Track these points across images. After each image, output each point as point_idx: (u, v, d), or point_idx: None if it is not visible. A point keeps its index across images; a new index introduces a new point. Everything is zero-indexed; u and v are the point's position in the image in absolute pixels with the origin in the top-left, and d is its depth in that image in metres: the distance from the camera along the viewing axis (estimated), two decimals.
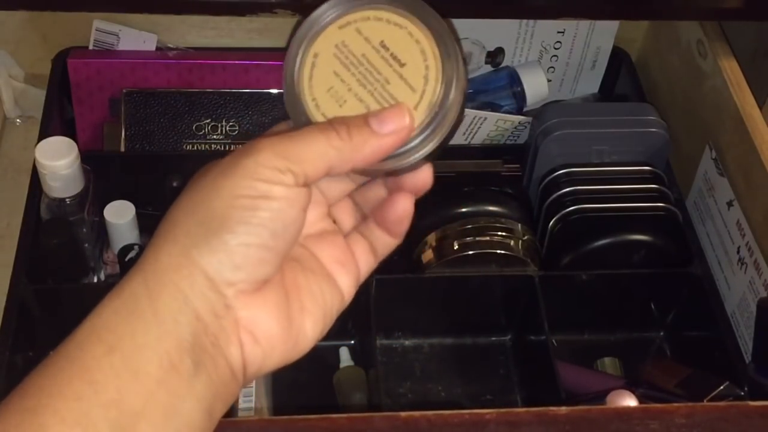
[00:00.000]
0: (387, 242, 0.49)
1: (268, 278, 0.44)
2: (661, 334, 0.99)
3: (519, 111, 1.05)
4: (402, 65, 0.45)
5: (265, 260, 0.43)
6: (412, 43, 0.45)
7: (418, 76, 0.45)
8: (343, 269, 0.48)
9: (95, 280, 0.92)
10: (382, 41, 0.45)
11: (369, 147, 0.45)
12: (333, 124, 0.45)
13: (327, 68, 0.46)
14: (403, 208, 0.48)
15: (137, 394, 0.40)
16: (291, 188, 0.43)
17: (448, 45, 0.45)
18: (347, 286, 0.48)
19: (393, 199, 0.48)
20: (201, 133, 1.00)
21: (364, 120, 0.45)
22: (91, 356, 0.41)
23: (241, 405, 0.86)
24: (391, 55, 0.45)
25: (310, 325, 0.46)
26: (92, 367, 0.41)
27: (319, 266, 0.48)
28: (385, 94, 0.46)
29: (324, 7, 0.46)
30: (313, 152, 0.44)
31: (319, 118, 0.46)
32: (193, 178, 0.46)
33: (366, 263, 0.49)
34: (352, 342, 0.95)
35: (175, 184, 0.89)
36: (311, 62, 0.46)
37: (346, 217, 0.50)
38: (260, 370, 0.45)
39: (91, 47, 1.02)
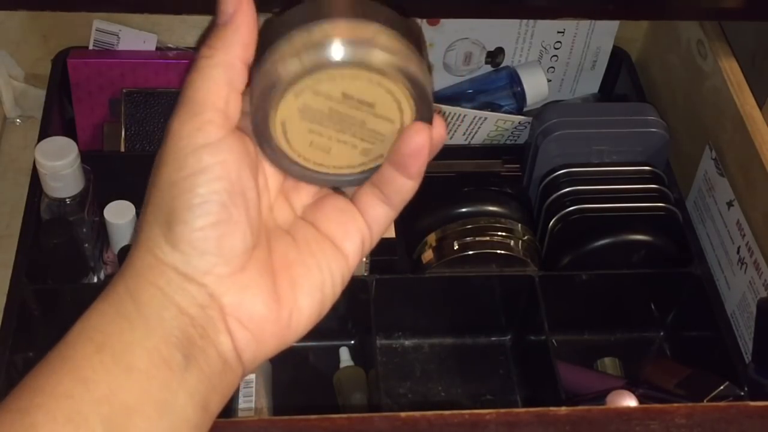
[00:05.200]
0: (401, 185, 0.45)
1: (243, 251, 0.43)
2: (661, 334, 0.99)
3: (519, 111, 1.05)
4: (371, 105, 0.44)
5: (229, 234, 0.42)
6: (371, 85, 0.44)
7: (392, 109, 0.44)
8: (345, 231, 0.46)
9: (95, 280, 0.92)
10: (343, 93, 0.44)
11: (235, 37, 0.43)
12: (202, 50, 0.44)
13: (300, 130, 0.45)
14: (418, 139, 0.44)
15: (129, 390, 0.40)
16: (218, 144, 0.42)
17: (403, 62, 0.44)
18: (352, 249, 0.46)
19: (407, 131, 0.44)
20: None
21: (216, 24, 0.44)
22: (81, 355, 0.41)
23: (241, 405, 0.86)
24: (357, 101, 0.44)
25: (306, 301, 0.45)
26: (83, 365, 0.40)
27: (316, 235, 0.46)
28: (366, 132, 0.45)
29: (268, 75, 0.44)
30: (210, 86, 0.42)
31: (315, 168, 0.46)
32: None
33: (378, 216, 0.47)
34: (352, 342, 0.95)
35: None
36: (281, 129, 0.45)
37: None
38: (256, 355, 0.44)
39: (91, 47, 1.02)
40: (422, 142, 0.44)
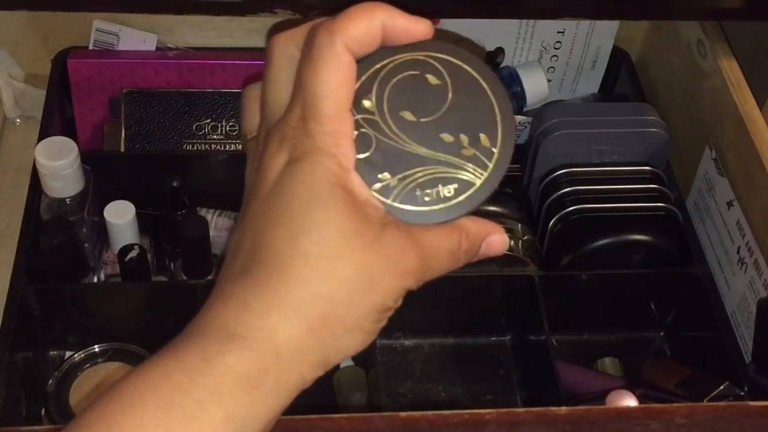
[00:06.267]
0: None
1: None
2: (661, 334, 0.99)
3: (519, 111, 1.05)
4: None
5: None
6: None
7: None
8: None
9: (95, 280, 0.92)
10: None
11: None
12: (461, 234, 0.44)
13: None
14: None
15: None
16: None
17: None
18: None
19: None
20: (201, 133, 1.00)
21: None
22: (208, 422, 0.39)
23: None
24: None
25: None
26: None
27: None
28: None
29: None
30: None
31: None
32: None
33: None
34: None
35: (175, 184, 0.89)
36: None
37: None
38: None
39: (91, 47, 1.02)
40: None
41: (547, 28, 1.05)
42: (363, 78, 0.43)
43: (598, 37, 1.07)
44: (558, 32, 1.06)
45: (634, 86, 1.10)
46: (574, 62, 1.08)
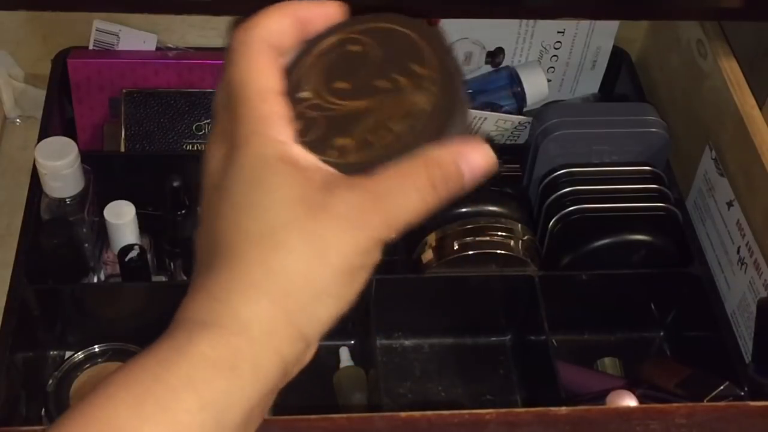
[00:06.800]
0: None
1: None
2: (661, 334, 0.99)
3: (519, 111, 1.05)
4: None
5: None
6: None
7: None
8: None
9: (95, 280, 0.92)
10: None
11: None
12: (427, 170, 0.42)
13: None
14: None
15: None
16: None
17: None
18: None
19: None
20: (201, 133, 1.00)
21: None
22: (181, 411, 0.39)
23: None
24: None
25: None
26: (180, 419, 0.39)
27: None
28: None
29: None
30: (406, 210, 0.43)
31: None
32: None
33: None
34: (352, 342, 0.95)
35: (175, 184, 0.89)
36: None
37: None
38: None
39: (91, 47, 1.02)
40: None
41: (547, 28, 1.05)
42: (295, 72, 0.45)
43: (598, 37, 1.07)
44: (558, 32, 1.06)
45: (634, 86, 1.10)
46: (574, 62, 1.08)
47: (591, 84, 1.12)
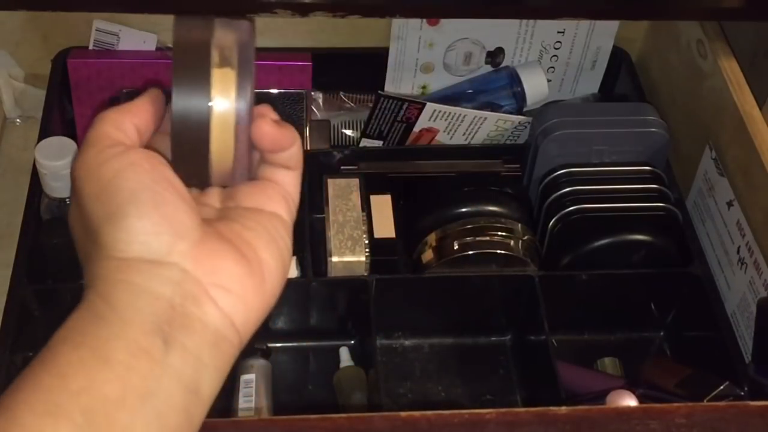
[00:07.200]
0: (287, 155, 0.50)
1: (194, 225, 0.45)
2: (661, 334, 0.99)
3: (519, 111, 1.05)
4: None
5: (173, 211, 0.44)
6: None
7: None
8: (268, 196, 0.49)
9: None
10: None
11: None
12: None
13: None
14: (265, 130, 0.49)
15: (109, 381, 0.41)
16: (124, 153, 0.45)
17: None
18: (281, 208, 0.49)
19: (255, 131, 0.49)
20: None
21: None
22: (60, 354, 0.42)
23: (241, 405, 0.86)
24: None
25: (267, 254, 0.47)
26: (61, 362, 0.41)
27: (245, 211, 0.49)
28: None
29: None
30: (113, 129, 0.47)
31: None
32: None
33: (285, 178, 0.50)
34: (352, 342, 0.95)
35: None
36: None
37: None
38: (247, 317, 0.45)
39: (91, 47, 1.02)
40: (268, 125, 0.49)
41: (547, 28, 1.05)
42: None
43: (598, 37, 1.07)
44: (558, 32, 1.06)
45: (634, 86, 1.10)
46: (574, 62, 1.08)
47: (591, 84, 1.12)
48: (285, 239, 0.48)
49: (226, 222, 0.48)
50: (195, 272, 0.44)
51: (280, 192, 0.50)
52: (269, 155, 0.50)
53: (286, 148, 0.50)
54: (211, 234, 0.46)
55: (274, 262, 0.47)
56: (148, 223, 0.43)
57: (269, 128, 0.49)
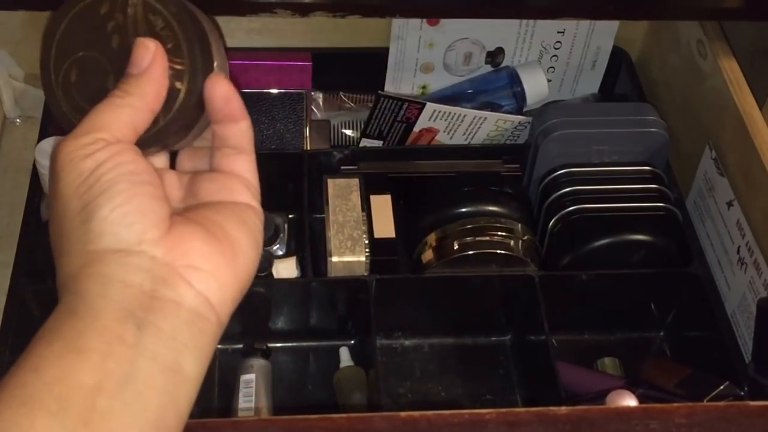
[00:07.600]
0: (237, 131, 0.50)
1: (165, 214, 0.45)
2: (661, 334, 0.99)
3: (519, 111, 1.05)
4: None
5: (146, 202, 0.45)
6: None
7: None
8: (230, 189, 0.50)
9: None
10: None
11: (149, 87, 0.48)
12: (114, 91, 0.48)
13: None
14: (221, 88, 0.49)
15: (84, 369, 0.41)
16: (107, 148, 0.45)
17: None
18: (244, 197, 0.50)
19: (208, 89, 0.49)
20: None
21: (128, 72, 0.48)
22: (34, 351, 0.42)
23: (241, 405, 0.86)
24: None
25: (237, 233, 0.47)
26: (35, 358, 0.42)
27: (210, 205, 0.49)
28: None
29: None
30: (112, 119, 0.47)
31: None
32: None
33: (241, 166, 0.51)
34: (352, 342, 0.95)
35: None
36: None
37: (202, 159, 0.53)
38: (224, 295, 0.46)
39: None
40: (224, 88, 0.49)
41: (547, 28, 1.05)
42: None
43: (598, 37, 1.07)
44: (558, 32, 1.06)
45: (634, 86, 1.10)
46: (574, 62, 1.08)
47: (591, 84, 1.12)
48: (254, 220, 0.49)
49: (195, 209, 0.48)
50: (165, 257, 0.44)
51: (240, 182, 0.50)
52: (220, 131, 0.50)
53: (236, 118, 0.50)
54: (180, 221, 0.46)
55: (245, 239, 0.47)
56: (119, 214, 0.44)
57: (224, 84, 0.49)
